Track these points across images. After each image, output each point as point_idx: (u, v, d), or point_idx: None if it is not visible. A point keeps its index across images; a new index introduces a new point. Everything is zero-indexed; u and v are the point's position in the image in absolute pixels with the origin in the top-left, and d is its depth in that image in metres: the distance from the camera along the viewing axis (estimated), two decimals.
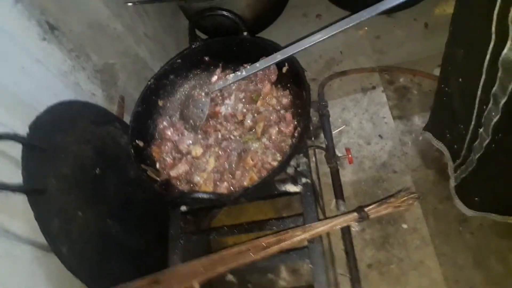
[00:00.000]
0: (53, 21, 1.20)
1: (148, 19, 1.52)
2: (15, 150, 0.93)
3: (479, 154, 0.95)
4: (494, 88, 0.77)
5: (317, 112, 1.26)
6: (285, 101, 1.03)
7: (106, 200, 1.11)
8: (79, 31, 1.29)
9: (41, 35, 1.16)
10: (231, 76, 1.03)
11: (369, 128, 1.38)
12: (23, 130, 0.99)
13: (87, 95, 1.34)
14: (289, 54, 0.95)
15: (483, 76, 0.79)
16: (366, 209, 0.91)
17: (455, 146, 1.05)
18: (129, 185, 1.20)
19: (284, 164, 0.91)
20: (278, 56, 0.95)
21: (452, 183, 1.10)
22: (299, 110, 1.00)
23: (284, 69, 1.05)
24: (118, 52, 1.42)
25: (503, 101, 0.77)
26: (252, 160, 0.96)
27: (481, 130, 0.90)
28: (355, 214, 0.91)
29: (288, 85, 1.05)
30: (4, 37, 1.04)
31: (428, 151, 1.30)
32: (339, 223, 0.90)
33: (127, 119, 1.42)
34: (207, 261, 0.92)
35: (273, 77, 1.05)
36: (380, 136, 1.35)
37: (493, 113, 0.82)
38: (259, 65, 0.98)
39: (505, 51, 0.68)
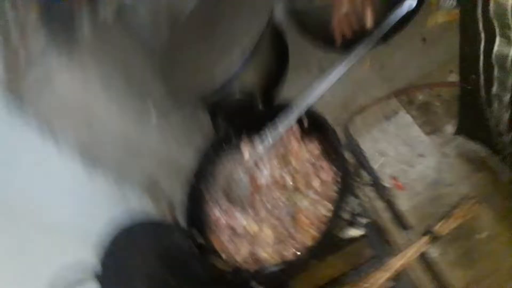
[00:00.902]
0: (93, 157, 1.31)
1: (177, 126, 1.63)
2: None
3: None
4: (494, 88, 0.77)
5: (351, 152, 1.29)
6: (316, 152, 1.07)
7: None
8: (117, 158, 1.39)
9: (88, 173, 1.27)
10: (260, 147, 1.08)
11: (406, 151, 1.37)
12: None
13: (142, 214, 1.42)
14: (306, 104, 0.99)
15: (482, 77, 0.79)
16: (434, 229, 0.89)
17: (490, 142, 1.02)
18: (204, 285, 1.22)
19: (338, 210, 0.92)
20: (295, 111, 1.00)
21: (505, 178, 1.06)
22: (333, 156, 1.03)
23: (305, 123, 1.10)
24: (156, 165, 1.52)
25: (507, 98, 0.76)
26: (307, 218, 0.98)
27: (500, 127, 0.89)
28: (425, 237, 0.90)
29: (314, 136, 1.10)
30: (59, 185, 1.16)
31: (473, 154, 1.27)
32: (414, 250, 0.89)
33: (181, 222, 1.49)
34: None
35: (297, 134, 1.10)
36: (420, 155, 1.35)
37: (502, 111, 0.81)
38: (280, 126, 1.03)
39: (495, 47, 0.69)
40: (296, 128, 1.09)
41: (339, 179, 0.98)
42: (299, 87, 1.79)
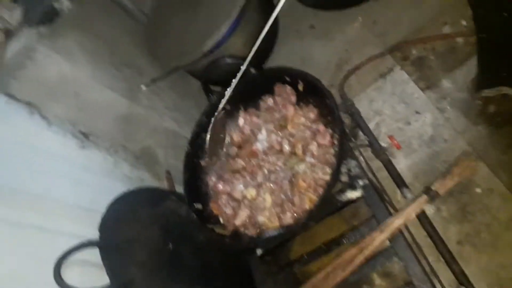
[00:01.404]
0: (84, 128, 1.29)
1: (163, 92, 1.60)
2: (95, 255, 1.00)
3: None
4: None
5: (346, 113, 1.27)
6: (312, 115, 1.05)
7: (186, 270, 1.15)
8: (109, 128, 1.37)
9: (79, 144, 1.25)
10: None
11: (403, 109, 1.36)
12: (94, 234, 1.07)
13: (136, 182, 1.42)
14: None
15: None
16: (433, 188, 0.89)
17: None
18: (203, 249, 1.23)
19: (336, 174, 0.92)
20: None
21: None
22: (329, 118, 1.01)
23: (300, 87, 1.07)
24: (148, 133, 1.50)
25: None
26: (304, 181, 0.97)
27: None
28: (424, 196, 0.89)
29: (309, 99, 1.07)
30: (51, 158, 1.14)
31: (469, 108, 1.26)
32: (412, 210, 0.89)
33: (179, 189, 1.49)
34: None
35: (293, 98, 1.08)
36: (416, 112, 1.34)
37: None
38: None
39: None
40: (291, 92, 1.06)
41: (336, 142, 0.96)
42: (290, 49, 1.75)
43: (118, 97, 1.34)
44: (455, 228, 1.19)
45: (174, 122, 1.59)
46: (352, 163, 1.00)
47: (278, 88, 1.09)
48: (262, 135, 1.07)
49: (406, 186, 1.14)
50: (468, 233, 1.14)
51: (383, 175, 1.24)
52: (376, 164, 1.25)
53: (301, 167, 0.99)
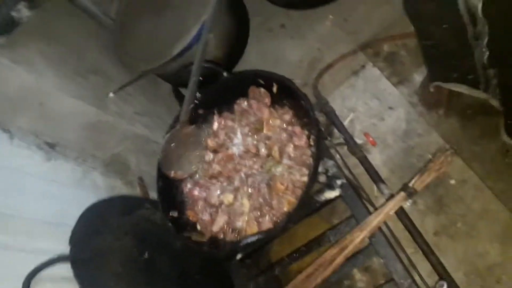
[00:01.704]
0: (50, 139, 1.24)
1: (133, 98, 1.56)
2: (67, 270, 0.96)
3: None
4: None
5: (321, 112, 1.26)
6: (287, 117, 1.03)
7: (164, 279, 1.12)
8: (76, 137, 1.32)
9: (45, 156, 1.20)
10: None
11: (376, 105, 1.37)
12: (65, 248, 1.02)
13: (108, 191, 1.38)
14: None
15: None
16: (410, 184, 0.89)
17: (469, 78, 1.02)
18: (180, 256, 1.20)
19: (313, 175, 0.91)
20: None
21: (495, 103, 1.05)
22: (305, 119, 1.00)
23: (274, 89, 1.05)
24: (118, 140, 1.45)
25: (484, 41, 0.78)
26: (282, 184, 0.95)
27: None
28: (402, 193, 0.89)
29: (284, 101, 1.06)
30: (14, 173, 1.09)
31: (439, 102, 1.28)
32: (390, 208, 0.89)
33: (153, 195, 1.45)
34: None
35: (267, 101, 1.06)
36: (390, 107, 1.34)
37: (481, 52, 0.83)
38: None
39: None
40: (265, 94, 1.04)
41: (312, 143, 0.95)
42: (263, 48, 1.74)
43: (84, 106, 1.29)
44: (431, 220, 1.20)
45: (145, 127, 1.55)
46: (329, 163, 0.99)
47: (252, 91, 1.06)
48: (238, 139, 1.05)
49: (383, 182, 1.14)
50: (444, 224, 1.15)
51: (359, 172, 1.24)
52: (352, 160, 1.25)
53: (278, 170, 0.97)
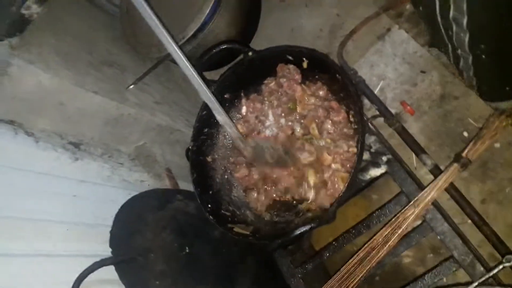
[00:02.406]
0: (74, 139, 1.21)
1: (150, 87, 1.51)
2: (112, 272, 0.94)
3: (472, 71, 0.93)
4: (451, 13, 0.72)
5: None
6: (322, 93, 0.98)
7: (208, 272, 1.10)
8: (99, 133, 1.29)
9: (71, 157, 1.17)
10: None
11: (407, 70, 1.29)
12: (106, 249, 1.00)
13: (137, 186, 1.35)
14: None
15: (437, 3, 0.74)
16: (464, 154, 0.84)
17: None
18: (220, 246, 1.18)
19: (362, 143, 0.83)
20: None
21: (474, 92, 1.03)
22: (341, 94, 0.94)
23: (304, 64, 0.99)
24: (141, 132, 1.41)
25: (464, 21, 0.75)
26: (329, 154, 0.90)
27: (459, 51, 0.88)
28: (455, 164, 0.84)
29: (316, 76, 0.99)
30: (44, 178, 1.06)
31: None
32: (444, 182, 0.84)
33: (182, 185, 1.42)
34: (336, 283, 0.88)
35: (298, 78, 1.00)
36: (422, 71, 1.27)
37: (462, 34, 0.81)
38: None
39: None
40: (295, 71, 0.98)
41: (352, 118, 0.89)
42: (277, 21, 1.65)
43: (104, 100, 1.24)
44: (477, 188, 1.14)
45: (166, 116, 1.50)
46: (371, 138, 0.94)
47: (280, 68, 1.00)
48: (270, 121, 1.00)
49: (425, 152, 1.09)
50: (491, 191, 1.10)
51: (394, 143, 1.18)
52: (387, 131, 1.20)
53: (321, 142, 0.92)
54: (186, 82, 1.79)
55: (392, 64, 1.32)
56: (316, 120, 0.94)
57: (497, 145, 1.13)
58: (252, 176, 1.01)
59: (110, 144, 1.34)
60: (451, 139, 1.18)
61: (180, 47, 1.30)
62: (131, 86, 1.24)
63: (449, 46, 0.92)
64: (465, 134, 1.16)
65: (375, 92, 1.30)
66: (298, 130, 0.96)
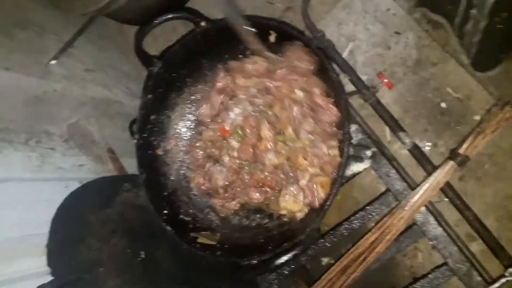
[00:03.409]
0: None
1: (78, 50, 1.24)
2: None
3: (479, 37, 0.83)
4: None
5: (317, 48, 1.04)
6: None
7: (170, 278, 0.97)
8: (21, 116, 1.05)
9: None
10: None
11: (379, 30, 1.14)
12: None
13: (75, 172, 1.15)
14: None
15: None
16: (461, 151, 0.74)
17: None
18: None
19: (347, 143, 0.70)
20: None
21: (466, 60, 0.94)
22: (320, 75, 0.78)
23: (272, 38, 0.81)
24: (72, 107, 1.18)
25: None
26: (305, 158, 0.77)
27: (473, 11, 0.80)
28: (452, 163, 0.74)
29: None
30: None
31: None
32: (439, 182, 0.74)
33: (128, 163, 1.24)
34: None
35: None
36: (396, 32, 1.13)
37: None
38: None
39: None
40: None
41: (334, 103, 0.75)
42: None
43: (20, 77, 0.99)
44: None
45: (101, 87, 1.27)
46: (353, 127, 0.81)
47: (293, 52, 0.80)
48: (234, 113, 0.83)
49: (403, 130, 0.99)
50: (469, 167, 1.03)
51: (364, 114, 1.07)
52: (357, 101, 1.08)
53: (297, 144, 0.78)
54: (124, 35, 1.53)
55: (362, 23, 1.16)
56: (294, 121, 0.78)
57: (477, 117, 1.05)
58: (212, 183, 0.86)
59: (35, 126, 1.11)
60: (428, 111, 1.08)
61: None
62: (53, 62, 0.99)
63: (462, 3, 0.80)
64: (443, 105, 1.07)
65: (344, 55, 1.15)
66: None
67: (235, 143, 0.83)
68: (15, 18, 1.08)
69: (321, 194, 0.74)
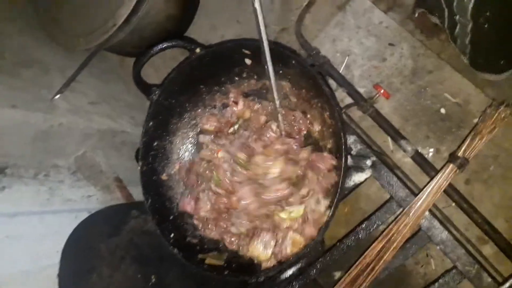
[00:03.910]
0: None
1: (82, 85, 1.28)
2: None
3: (469, 38, 0.87)
4: None
5: (313, 66, 1.06)
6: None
7: None
8: (30, 151, 1.08)
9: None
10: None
11: (373, 43, 1.16)
12: None
13: (84, 202, 1.17)
14: None
15: None
16: (459, 154, 0.74)
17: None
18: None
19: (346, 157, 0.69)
20: None
21: (465, 60, 0.95)
22: (311, 93, 0.79)
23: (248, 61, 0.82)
24: (79, 140, 1.21)
25: None
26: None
27: (457, 17, 0.83)
28: (451, 165, 0.74)
29: (280, 71, 0.84)
30: None
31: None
32: (441, 185, 0.74)
33: (135, 192, 1.25)
34: None
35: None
36: (390, 44, 1.14)
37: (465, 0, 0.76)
38: None
39: None
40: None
41: (330, 120, 0.76)
42: (214, 10, 1.43)
43: (26, 114, 1.02)
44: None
45: (106, 118, 1.29)
46: (351, 138, 0.82)
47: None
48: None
49: (403, 138, 0.99)
50: (475, 170, 1.03)
51: (365, 125, 1.08)
52: (355, 113, 1.09)
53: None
54: (125, 68, 1.56)
55: (356, 38, 1.18)
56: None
57: (476, 120, 1.05)
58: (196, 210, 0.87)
59: (44, 160, 1.14)
60: (428, 118, 1.08)
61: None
62: (57, 96, 1.02)
63: (446, 11, 0.85)
64: (442, 111, 1.07)
65: (340, 70, 1.17)
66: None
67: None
68: (20, 58, 1.13)
69: (289, 251, 0.74)
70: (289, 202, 0.76)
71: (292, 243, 0.74)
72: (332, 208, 0.66)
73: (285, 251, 0.73)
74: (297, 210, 0.74)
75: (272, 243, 0.73)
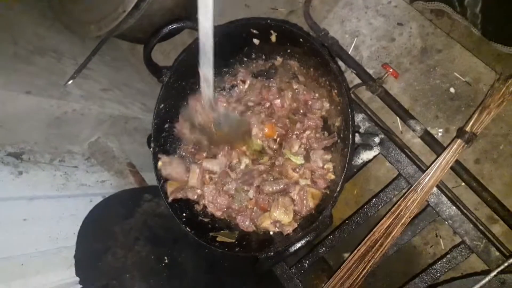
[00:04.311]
0: (12, 149, 1.03)
1: (94, 72, 1.30)
2: None
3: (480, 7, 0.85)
4: None
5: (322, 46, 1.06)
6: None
7: (193, 278, 0.99)
8: (43, 137, 1.11)
9: (14, 171, 1.00)
10: None
11: (382, 24, 1.15)
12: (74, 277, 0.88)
13: (98, 187, 1.20)
14: None
15: None
16: (467, 129, 0.74)
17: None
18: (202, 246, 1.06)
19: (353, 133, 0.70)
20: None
21: (477, 32, 0.93)
22: (319, 71, 0.80)
23: (273, 38, 0.84)
24: (92, 126, 1.24)
25: None
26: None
27: None
28: (459, 141, 0.74)
29: (288, 50, 0.84)
30: None
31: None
32: (448, 161, 0.74)
33: (148, 177, 1.28)
34: (337, 283, 0.80)
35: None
36: (399, 23, 1.14)
37: None
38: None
39: None
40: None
41: (337, 97, 0.76)
42: None
43: (41, 100, 1.05)
44: (469, 147, 1.06)
45: (118, 104, 1.31)
46: (359, 116, 0.82)
47: None
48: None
49: (413, 117, 0.99)
50: (484, 149, 1.02)
51: (375, 106, 1.08)
52: (365, 94, 1.09)
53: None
54: (136, 55, 1.58)
55: (365, 18, 1.18)
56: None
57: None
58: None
59: (58, 146, 1.17)
60: (437, 97, 1.08)
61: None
62: (70, 82, 1.04)
63: None
64: (452, 90, 1.07)
65: (349, 51, 1.17)
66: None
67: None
68: (35, 46, 1.15)
69: (311, 204, 0.75)
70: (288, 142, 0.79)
71: (312, 196, 0.76)
72: (340, 183, 0.67)
73: (307, 206, 0.75)
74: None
75: (291, 205, 0.75)
